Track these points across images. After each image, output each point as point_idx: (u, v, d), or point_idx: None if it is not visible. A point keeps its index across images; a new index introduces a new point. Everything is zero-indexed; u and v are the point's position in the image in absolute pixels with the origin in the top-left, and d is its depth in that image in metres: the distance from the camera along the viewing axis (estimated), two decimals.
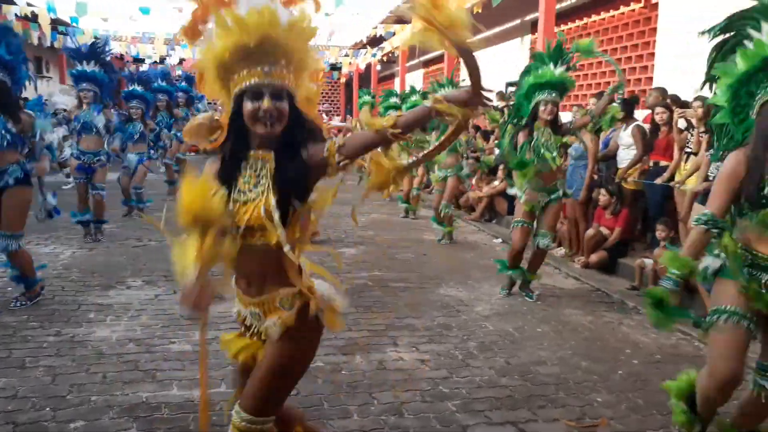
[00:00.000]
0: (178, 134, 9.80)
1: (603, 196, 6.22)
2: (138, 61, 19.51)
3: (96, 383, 3.34)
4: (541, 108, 4.85)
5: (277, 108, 1.79)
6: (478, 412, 3.16)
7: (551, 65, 4.79)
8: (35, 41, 13.81)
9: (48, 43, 14.37)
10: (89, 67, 6.52)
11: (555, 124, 4.97)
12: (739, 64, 2.27)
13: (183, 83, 11.46)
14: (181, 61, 19.19)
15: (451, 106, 1.78)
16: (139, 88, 8.41)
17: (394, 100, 9.87)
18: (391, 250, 7.00)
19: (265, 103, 1.77)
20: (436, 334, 4.30)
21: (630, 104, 6.72)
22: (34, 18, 13.58)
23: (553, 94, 4.84)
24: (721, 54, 2.45)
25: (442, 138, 1.91)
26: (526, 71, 4.98)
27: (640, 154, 6.32)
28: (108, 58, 6.81)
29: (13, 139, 4.32)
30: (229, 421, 1.95)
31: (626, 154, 6.49)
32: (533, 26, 11.00)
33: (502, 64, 11.71)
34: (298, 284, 1.92)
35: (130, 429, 2.88)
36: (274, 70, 1.78)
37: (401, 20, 15.17)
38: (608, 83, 9.19)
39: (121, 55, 18.08)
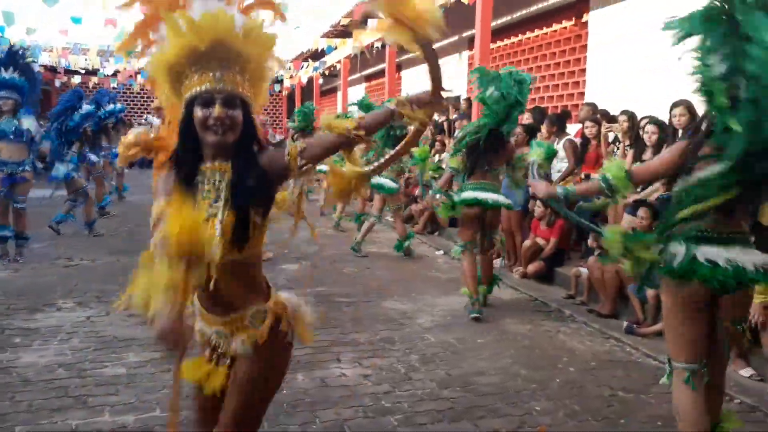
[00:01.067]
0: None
1: (538, 207, 6.42)
2: (70, 72, 18.78)
3: (21, 412, 3.17)
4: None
5: (229, 116, 1.69)
6: (420, 425, 3.18)
7: (490, 89, 4.97)
8: None
9: None
10: (8, 74, 6.23)
11: None
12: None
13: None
14: (116, 73, 18.61)
15: (413, 108, 1.79)
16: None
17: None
18: (335, 265, 6.98)
19: (216, 110, 1.68)
20: (379, 348, 4.31)
21: (562, 119, 7.00)
22: None
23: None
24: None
25: (404, 141, 1.91)
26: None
27: (572, 166, 6.57)
28: (30, 65, 6.53)
29: None
30: None
31: (559, 166, 6.73)
32: (470, 42, 11.29)
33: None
34: (269, 300, 1.88)
35: None
36: (227, 76, 1.69)
37: (343, 34, 15.27)
38: (542, 98, 9.54)
39: (53, 66, 17.37)
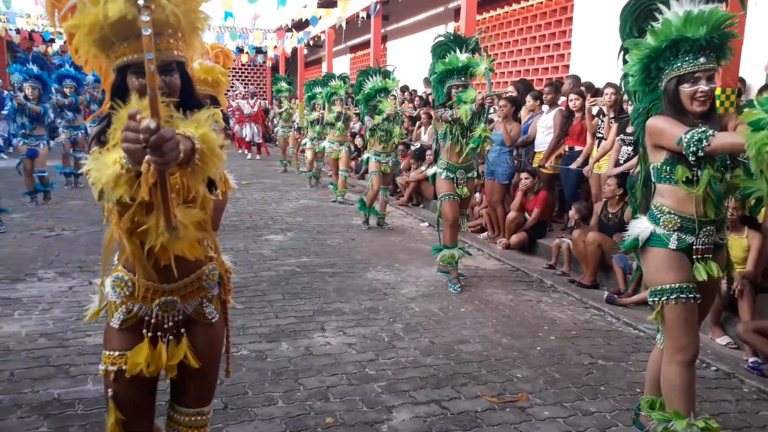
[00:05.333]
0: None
1: (526, 179, 6.43)
2: (50, 41, 18.26)
3: (2, 381, 3.15)
4: (453, 92, 5.02)
5: (167, 84, 1.60)
6: (403, 392, 3.22)
7: (457, 51, 4.98)
8: None
9: None
10: None
11: None
12: (649, 40, 2.45)
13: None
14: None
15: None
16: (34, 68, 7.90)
17: (318, 90, 9.87)
18: (320, 236, 6.97)
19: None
20: (364, 317, 4.34)
21: (557, 88, 6.96)
22: None
23: (462, 79, 5.03)
24: (633, 21, 2.57)
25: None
26: (435, 60, 5.17)
27: (556, 138, 6.58)
28: None
29: None
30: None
31: (544, 137, 6.73)
32: (456, 14, 11.17)
33: (427, 51, 11.83)
34: (217, 255, 1.84)
35: (40, 428, 2.74)
36: (160, 43, 1.56)
37: (327, 4, 14.99)
38: (527, 71, 9.50)
39: (30, 33, 16.87)
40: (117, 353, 1.73)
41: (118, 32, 1.54)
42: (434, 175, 5.35)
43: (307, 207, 8.85)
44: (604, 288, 5.23)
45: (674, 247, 2.48)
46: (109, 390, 1.74)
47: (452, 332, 4.12)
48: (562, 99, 7.01)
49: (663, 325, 2.56)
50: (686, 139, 2.30)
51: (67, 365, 3.36)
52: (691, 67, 2.38)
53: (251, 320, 4.17)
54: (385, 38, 14.95)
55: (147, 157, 1.33)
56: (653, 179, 2.57)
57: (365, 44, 15.91)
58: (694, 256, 2.49)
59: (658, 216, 2.52)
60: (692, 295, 2.47)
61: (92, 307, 1.85)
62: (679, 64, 2.41)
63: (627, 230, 2.68)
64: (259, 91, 23.71)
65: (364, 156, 8.10)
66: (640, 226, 2.59)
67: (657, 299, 2.51)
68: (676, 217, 2.47)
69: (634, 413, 2.92)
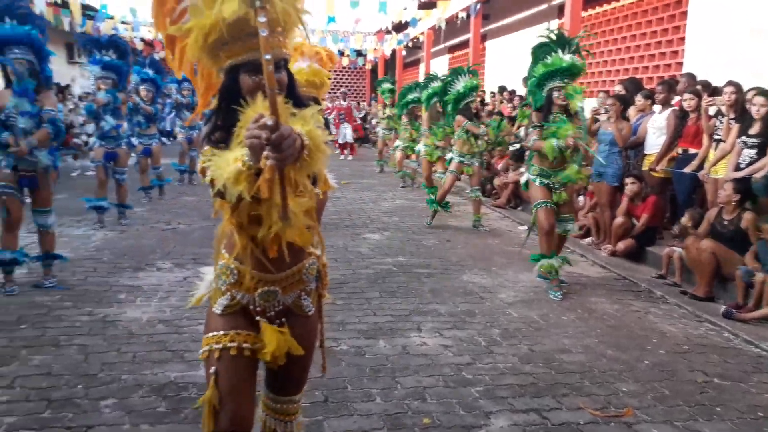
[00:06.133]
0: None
1: (632, 184, 6.11)
2: None
3: (126, 362, 3.43)
4: (555, 95, 4.81)
5: (278, 81, 1.61)
6: (501, 398, 3.17)
7: (560, 52, 4.78)
8: (66, 27, 13.99)
9: (78, 29, 14.54)
10: (108, 55, 6.64)
11: (567, 110, 4.92)
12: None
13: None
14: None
15: None
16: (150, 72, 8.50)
17: (413, 95, 9.92)
18: (415, 236, 7.01)
19: None
20: (460, 320, 4.31)
21: (671, 87, 6.57)
22: (64, 4, 13.75)
23: (565, 80, 4.81)
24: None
25: None
26: (535, 62, 4.98)
27: (670, 140, 6.19)
28: (126, 48, 6.93)
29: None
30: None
31: (655, 139, 6.36)
32: (560, 10, 10.80)
33: (527, 50, 11.54)
34: (321, 250, 1.89)
35: (159, 407, 2.95)
36: (272, 41, 1.57)
37: (427, 5, 15.03)
38: (636, 69, 9.01)
39: (151, 41, 18.20)
40: (221, 332, 1.80)
41: (233, 32, 1.60)
42: (527, 182, 5.15)
43: (403, 207, 8.92)
44: (721, 301, 4.87)
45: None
46: (212, 367, 1.78)
47: (553, 340, 3.99)
48: (676, 99, 6.59)
49: None
50: None
51: (182, 351, 3.61)
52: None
53: (350, 316, 4.27)
54: (484, 37, 14.76)
55: (265, 153, 1.38)
56: None
57: (464, 44, 15.79)
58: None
59: None
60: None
61: (197, 293, 1.96)
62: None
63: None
64: (358, 93, 24.24)
65: (448, 156, 8.04)
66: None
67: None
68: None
69: None
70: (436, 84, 8.43)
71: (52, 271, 4.77)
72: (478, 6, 12.31)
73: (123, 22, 16.21)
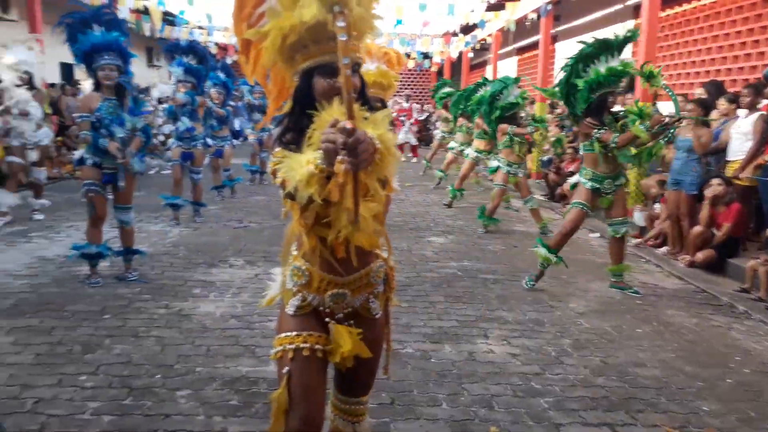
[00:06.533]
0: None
1: (718, 185, 5.79)
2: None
3: (201, 355, 3.56)
4: (611, 99, 4.82)
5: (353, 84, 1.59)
6: (571, 411, 3.08)
7: (609, 58, 4.67)
8: (146, 32, 14.69)
9: (158, 34, 15.25)
10: (188, 60, 6.91)
11: (613, 114, 4.92)
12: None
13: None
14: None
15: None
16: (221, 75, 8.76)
17: (446, 90, 10.17)
18: (480, 241, 6.92)
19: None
20: (528, 328, 4.22)
21: (759, 90, 6.20)
22: (145, 10, 14.45)
23: (620, 85, 4.83)
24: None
25: None
26: (579, 66, 4.84)
27: (757, 146, 5.84)
28: (205, 53, 7.21)
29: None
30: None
31: (740, 144, 6.01)
32: (636, 11, 10.42)
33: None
34: (388, 254, 1.90)
35: (231, 400, 3.04)
36: (348, 45, 1.55)
37: (495, 7, 14.83)
38: (718, 71, 8.56)
39: (225, 45, 18.84)
40: (294, 333, 1.83)
41: (310, 35, 1.63)
42: (576, 183, 5.16)
43: (467, 210, 8.82)
44: None
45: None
46: (285, 367, 1.81)
47: (627, 353, 3.84)
48: (764, 102, 6.21)
49: None
50: None
51: (253, 346, 3.70)
52: None
53: (415, 319, 4.26)
54: (555, 39, 14.41)
55: (340, 157, 1.40)
56: None
57: (533, 46, 15.47)
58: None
59: None
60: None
61: (269, 293, 2.01)
62: None
63: None
64: (423, 96, 24.21)
65: (491, 163, 7.87)
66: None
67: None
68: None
69: None
70: (485, 90, 8.26)
71: (133, 265, 5.01)
72: (549, 7, 12.03)
73: (199, 27, 16.86)
